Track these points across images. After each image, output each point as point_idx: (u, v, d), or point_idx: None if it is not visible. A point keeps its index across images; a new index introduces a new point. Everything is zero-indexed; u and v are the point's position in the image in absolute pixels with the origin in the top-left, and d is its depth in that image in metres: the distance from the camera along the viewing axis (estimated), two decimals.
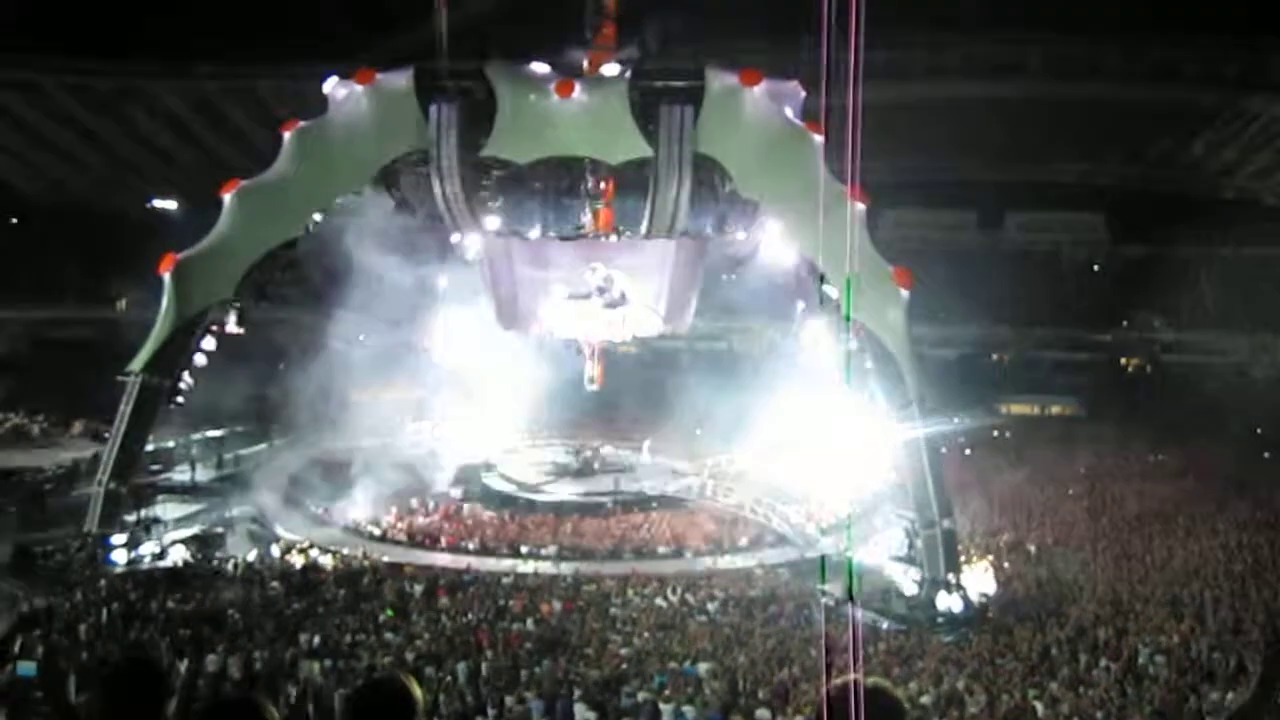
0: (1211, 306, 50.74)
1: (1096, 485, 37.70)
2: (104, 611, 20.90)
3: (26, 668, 14.05)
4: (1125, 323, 57.33)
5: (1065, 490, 37.14)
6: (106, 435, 27.95)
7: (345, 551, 29.48)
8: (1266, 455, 41.24)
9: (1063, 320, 55.00)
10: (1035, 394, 54.70)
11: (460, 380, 38.99)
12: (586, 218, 31.24)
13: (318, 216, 28.76)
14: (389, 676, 3.85)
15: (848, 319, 26.10)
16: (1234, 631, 20.56)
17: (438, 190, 27.44)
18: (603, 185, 30.70)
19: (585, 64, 29.93)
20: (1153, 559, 27.79)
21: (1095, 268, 60.94)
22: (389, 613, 22.09)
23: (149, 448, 29.76)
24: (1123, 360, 58.54)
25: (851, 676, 3.39)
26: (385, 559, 28.71)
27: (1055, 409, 54.75)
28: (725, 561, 30.88)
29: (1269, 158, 51.62)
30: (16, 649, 16.92)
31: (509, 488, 38.24)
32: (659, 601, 24.36)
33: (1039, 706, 16.14)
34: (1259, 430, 44.77)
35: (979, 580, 26.22)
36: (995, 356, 56.61)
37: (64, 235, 55.19)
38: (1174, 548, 28.93)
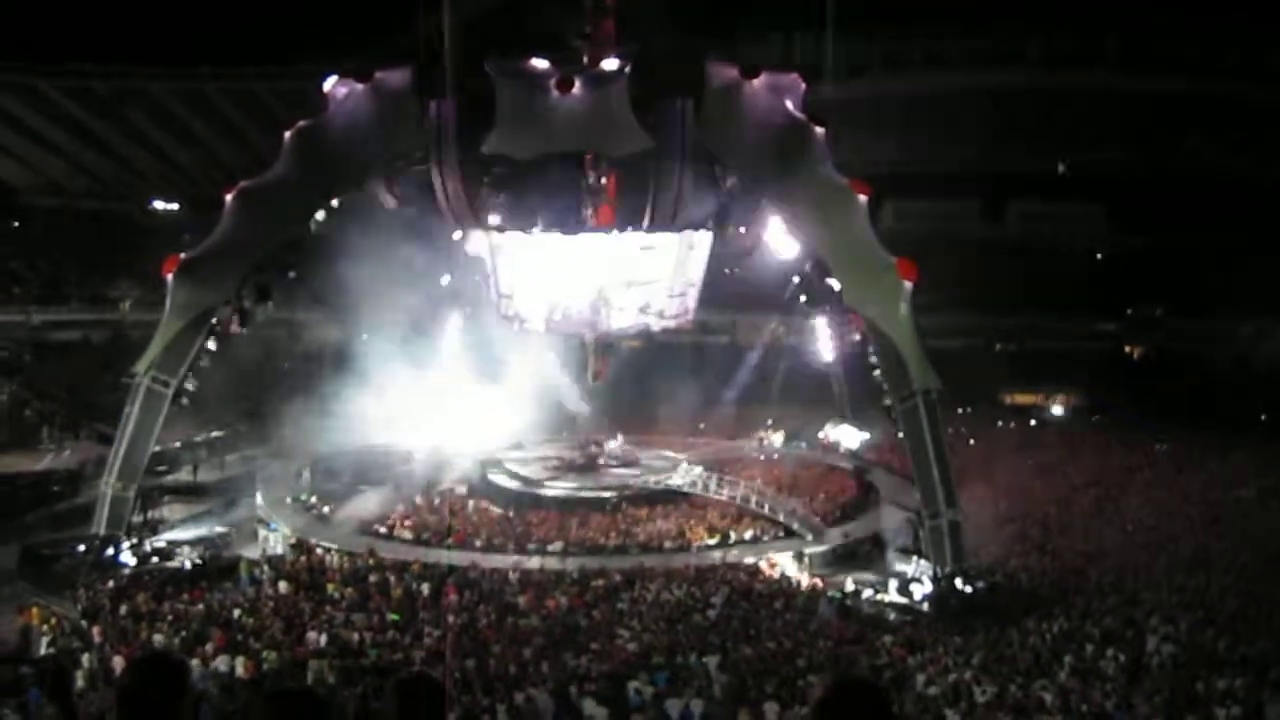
0: (1214, 294, 50.51)
1: (1101, 474, 37.66)
2: (113, 614, 20.96)
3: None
4: (1129, 311, 57.20)
5: (1070, 479, 37.10)
6: (112, 437, 27.97)
7: (352, 550, 29.51)
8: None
9: (1066, 310, 54.90)
10: (1039, 383, 54.63)
11: (464, 377, 38.97)
12: (588, 212, 31.21)
13: (320, 215, 28.80)
14: (421, 672, 3.99)
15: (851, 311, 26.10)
16: (1241, 620, 20.53)
17: (438, 188, 27.47)
18: (604, 180, 30.67)
19: (585, 58, 29.90)
20: (1160, 547, 27.79)
21: (1099, 256, 60.80)
22: (395, 616, 22.08)
23: (154, 449, 29.76)
24: (1127, 349, 58.46)
25: (842, 674, 3.42)
26: (391, 557, 28.74)
27: (1059, 398, 54.67)
28: (733, 555, 30.85)
29: (1270, 145, 51.48)
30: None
31: (514, 484, 38.21)
32: (666, 595, 24.37)
33: (1047, 697, 16.12)
34: (1264, 417, 44.76)
35: (985, 570, 26.23)
36: (999, 347, 56.47)
37: (66, 238, 55.26)
38: (1180, 536, 28.94)
